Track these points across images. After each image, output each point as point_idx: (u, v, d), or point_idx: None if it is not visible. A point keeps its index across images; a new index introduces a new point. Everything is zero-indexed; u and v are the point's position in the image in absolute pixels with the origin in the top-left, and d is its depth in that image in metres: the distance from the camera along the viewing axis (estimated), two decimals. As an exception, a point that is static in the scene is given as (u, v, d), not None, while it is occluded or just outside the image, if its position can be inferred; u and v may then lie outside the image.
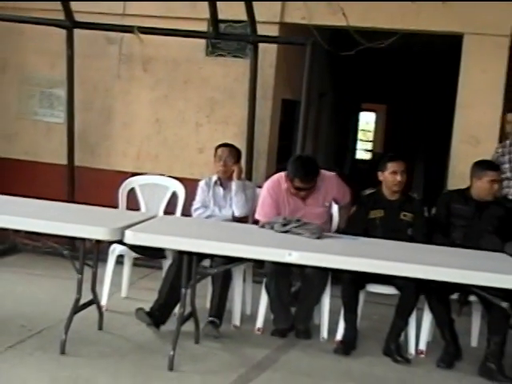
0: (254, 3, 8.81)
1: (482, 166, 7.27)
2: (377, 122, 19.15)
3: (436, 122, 12.32)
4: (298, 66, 9.25)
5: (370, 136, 19.33)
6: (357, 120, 18.53)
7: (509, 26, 9.11)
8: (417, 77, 13.17)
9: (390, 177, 7.24)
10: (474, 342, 7.31)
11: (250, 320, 7.48)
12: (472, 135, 9.11)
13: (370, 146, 19.18)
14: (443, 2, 9.09)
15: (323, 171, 7.56)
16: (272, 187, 7.52)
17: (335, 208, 7.86)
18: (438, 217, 7.44)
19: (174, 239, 6.21)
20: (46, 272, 8.70)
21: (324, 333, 7.21)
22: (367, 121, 19.25)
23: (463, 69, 9.32)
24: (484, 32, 9.13)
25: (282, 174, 7.51)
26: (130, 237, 5.99)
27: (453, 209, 7.31)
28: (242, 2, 8.71)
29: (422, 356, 6.97)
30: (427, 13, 9.27)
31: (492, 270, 5.87)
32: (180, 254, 6.58)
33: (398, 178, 7.20)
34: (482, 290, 6.35)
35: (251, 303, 7.69)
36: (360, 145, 19.06)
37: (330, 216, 7.84)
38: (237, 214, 7.62)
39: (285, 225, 6.60)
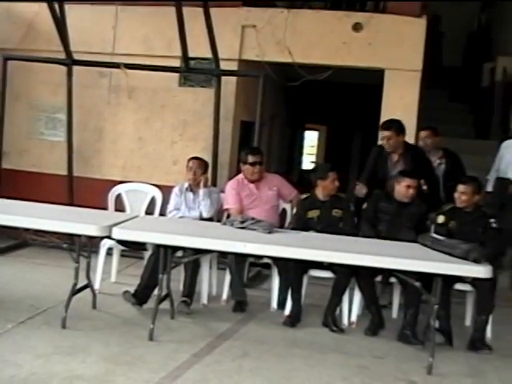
0: (217, 43, 8.89)
1: (401, 173, 7.38)
2: (319, 139, 19.19)
3: (366, 139, 12.39)
4: (253, 93, 9.28)
5: (314, 150, 19.36)
6: (302, 137, 18.57)
7: (420, 63, 9.27)
8: (351, 102, 13.24)
9: (331, 184, 7.35)
10: (394, 314, 7.42)
11: (216, 299, 7.57)
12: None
13: (313, 158, 19.21)
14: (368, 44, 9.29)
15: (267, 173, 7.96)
16: (233, 183, 7.84)
17: (287, 206, 8.04)
18: (367, 212, 7.52)
19: (152, 235, 6.27)
20: (50, 262, 8.68)
21: (274, 304, 7.38)
22: (311, 138, 19.28)
23: (385, 96, 9.40)
24: (401, 67, 9.26)
25: (240, 174, 7.83)
26: (117, 233, 6.07)
27: (379, 206, 7.38)
28: (208, 43, 8.79)
29: (353, 326, 7.07)
30: (356, 51, 9.39)
31: (408, 257, 5.97)
32: (158, 246, 6.64)
33: (331, 185, 7.34)
34: (400, 273, 6.48)
35: (216, 286, 7.74)
36: (305, 158, 19.11)
37: (281, 214, 8.01)
38: (204, 215, 7.66)
39: (242, 222, 6.68)
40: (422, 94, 9.44)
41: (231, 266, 7.41)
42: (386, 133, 7.78)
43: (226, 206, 7.79)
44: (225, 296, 7.55)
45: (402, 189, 7.25)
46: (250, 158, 7.74)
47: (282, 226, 7.68)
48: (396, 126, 7.80)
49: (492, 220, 7.02)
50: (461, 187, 6.99)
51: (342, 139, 17.30)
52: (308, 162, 19.00)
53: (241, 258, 7.31)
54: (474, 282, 6.70)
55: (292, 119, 15.41)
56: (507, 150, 9.16)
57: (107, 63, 9.57)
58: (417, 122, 9.29)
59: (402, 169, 7.64)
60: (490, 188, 9.06)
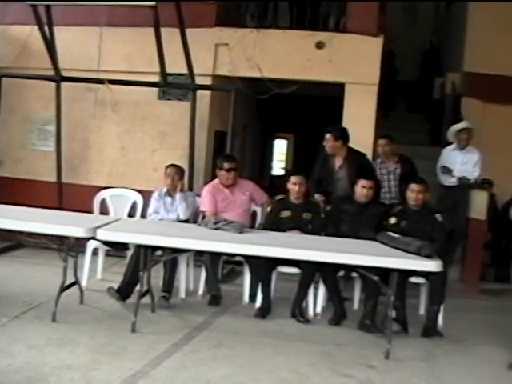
0: (193, 60, 8.91)
1: (357, 175, 7.48)
2: (288, 147, 19.19)
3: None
4: (226, 105, 9.30)
5: (283, 157, 19.36)
6: (272, 145, 18.59)
7: (376, 77, 9.35)
8: (316, 113, 13.28)
9: (293, 187, 7.38)
10: (355, 306, 7.47)
11: (193, 294, 7.58)
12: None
13: (283, 164, 19.21)
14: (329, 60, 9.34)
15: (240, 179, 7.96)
16: (209, 188, 7.81)
17: (258, 209, 8.07)
18: (331, 213, 7.57)
19: (134, 235, 6.30)
20: (42, 261, 8.62)
21: (246, 298, 7.41)
22: (281, 146, 19.28)
23: (346, 107, 9.47)
24: (359, 82, 9.36)
25: (216, 179, 7.83)
26: (101, 234, 6.07)
27: (342, 208, 7.43)
28: (184, 60, 8.81)
29: (318, 317, 7.10)
30: (319, 67, 9.48)
31: (367, 254, 6.01)
32: (139, 246, 6.64)
33: (296, 188, 7.35)
34: (360, 269, 6.52)
35: (193, 282, 7.74)
36: (276, 164, 19.11)
37: (252, 215, 8.04)
38: (181, 217, 7.63)
39: (215, 223, 6.70)
40: (378, 105, 9.49)
41: (206, 263, 7.42)
42: (326, 136, 7.98)
43: (202, 209, 7.79)
44: (201, 291, 7.56)
45: (359, 189, 7.33)
46: (226, 165, 7.73)
47: (252, 227, 7.69)
48: (335, 132, 8.01)
49: (438, 215, 7.10)
50: (416, 186, 7.07)
51: (309, 147, 17.33)
52: (278, 168, 19.01)
53: (215, 256, 7.32)
54: (426, 275, 6.77)
55: (263, 129, 15.43)
56: (444, 157, 9.33)
57: (93, 79, 9.55)
58: (375, 131, 9.34)
59: (345, 173, 7.86)
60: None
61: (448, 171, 9.22)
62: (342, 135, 8.01)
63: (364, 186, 7.29)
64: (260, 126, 14.88)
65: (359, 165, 7.95)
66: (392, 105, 13.09)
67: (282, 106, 12.76)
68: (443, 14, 16.37)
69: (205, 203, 7.72)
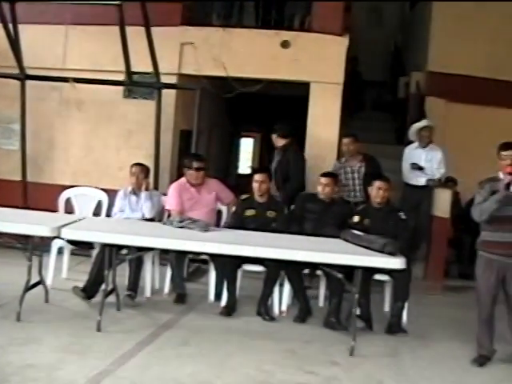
0: (158, 59, 8.90)
1: (321, 174, 7.56)
2: (254, 146, 19.17)
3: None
4: (191, 104, 9.30)
5: (250, 156, 19.33)
6: (239, 144, 18.57)
7: (341, 76, 9.41)
8: (282, 111, 13.31)
9: (255, 185, 7.40)
10: (320, 303, 7.49)
11: (158, 292, 7.56)
12: (318, 154, 9.28)
13: (249, 163, 19.18)
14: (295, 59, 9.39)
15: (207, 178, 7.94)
16: (176, 186, 7.80)
17: (223, 208, 8.07)
18: (295, 212, 7.61)
19: (98, 234, 6.29)
20: (7, 261, 8.47)
21: (211, 296, 7.40)
22: (247, 145, 19.26)
23: (311, 106, 9.50)
24: (324, 81, 9.41)
25: (183, 177, 7.82)
26: (66, 233, 6.06)
27: (306, 206, 7.49)
28: (149, 59, 8.80)
29: (284, 315, 7.14)
30: (284, 66, 9.51)
31: (331, 252, 6.07)
32: (104, 245, 6.59)
33: (257, 185, 7.37)
34: (325, 266, 6.57)
35: (159, 280, 7.73)
36: (242, 163, 19.08)
37: (218, 214, 8.04)
38: (146, 215, 7.62)
39: (180, 222, 6.70)
40: (343, 105, 9.55)
41: (172, 261, 7.43)
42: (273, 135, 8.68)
43: (167, 208, 7.79)
44: (166, 289, 7.56)
45: (319, 187, 7.39)
46: (195, 164, 7.73)
47: (217, 225, 7.70)
48: (278, 130, 8.63)
49: (401, 213, 7.16)
50: (380, 184, 7.14)
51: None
52: (244, 167, 18.99)
53: (180, 254, 7.33)
54: (391, 272, 6.82)
55: (229, 128, 15.42)
56: (407, 155, 9.40)
57: (58, 78, 9.51)
58: (339, 130, 9.38)
59: (277, 163, 8.38)
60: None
61: (418, 168, 9.28)
62: (284, 133, 8.57)
63: (325, 184, 7.42)
64: (227, 124, 14.86)
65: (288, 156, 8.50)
66: (354, 109, 13.15)
67: (250, 105, 12.78)
68: (408, 14, 16.51)
69: (171, 202, 7.71)
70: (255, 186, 7.40)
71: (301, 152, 8.88)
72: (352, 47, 10.13)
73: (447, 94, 11.60)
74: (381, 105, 14.79)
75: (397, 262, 5.92)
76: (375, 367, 5.80)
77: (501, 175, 5.82)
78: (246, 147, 19.26)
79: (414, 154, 9.40)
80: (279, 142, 8.66)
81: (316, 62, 9.41)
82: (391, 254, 5.95)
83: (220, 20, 10.29)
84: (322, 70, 9.40)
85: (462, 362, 6.09)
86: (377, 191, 7.11)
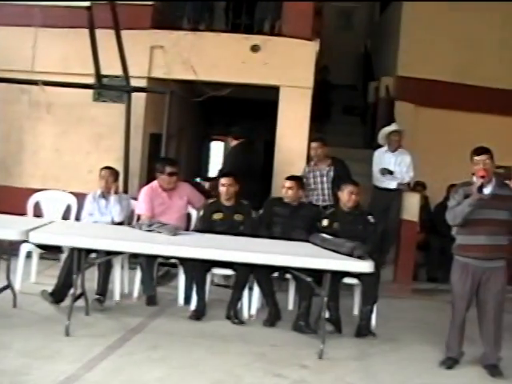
0: (128, 62, 8.89)
1: (286, 178, 7.59)
2: (225, 149, 19.16)
3: (266, 149, 12.48)
4: (161, 108, 9.30)
5: (220, 159, 19.31)
6: (209, 148, 18.55)
7: (311, 81, 9.45)
8: (253, 115, 13.34)
9: (222, 189, 7.42)
10: (290, 307, 7.49)
11: (128, 296, 7.53)
12: (287, 158, 9.32)
13: (219, 166, 19.12)
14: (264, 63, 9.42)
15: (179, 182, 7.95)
16: (147, 191, 7.77)
17: (193, 212, 8.04)
18: (263, 216, 7.63)
19: (67, 238, 6.25)
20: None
21: (181, 300, 7.38)
22: (218, 148, 19.22)
23: (280, 111, 9.53)
24: (294, 85, 9.44)
25: (154, 181, 7.80)
26: (34, 237, 6.01)
27: (274, 210, 7.51)
28: (119, 62, 8.78)
29: (253, 318, 7.13)
30: (254, 70, 9.52)
31: (300, 255, 6.07)
32: (73, 249, 6.52)
33: (224, 189, 7.39)
34: (294, 270, 6.57)
35: (128, 284, 7.69)
36: (212, 166, 19.06)
37: (188, 218, 8.03)
38: (115, 219, 7.59)
39: (149, 225, 6.69)
40: (313, 109, 9.59)
41: (142, 264, 7.42)
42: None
43: (138, 212, 7.77)
44: (136, 293, 7.53)
45: (283, 190, 7.44)
46: (168, 169, 7.73)
47: (187, 229, 7.69)
48: (231, 132, 9.05)
49: (370, 216, 7.19)
50: (349, 188, 7.16)
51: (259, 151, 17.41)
52: (214, 171, 18.98)
53: (151, 257, 7.29)
54: (359, 276, 6.83)
55: (200, 131, 15.41)
56: (377, 159, 9.48)
57: (27, 80, 9.42)
58: (309, 135, 9.42)
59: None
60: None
61: (388, 172, 9.35)
62: (235, 136, 8.90)
63: (288, 187, 7.47)
64: (197, 128, 14.85)
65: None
66: (323, 119, 13.22)
67: (222, 109, 12.80)
68: (377, 18, 16.62)
69: (141, 206, 7.70)
70: (222, 189, 7.41)
71: (248, 152, 8.97)
72: (323, 55, 10.21)
73: (416, 99, 11.73)
74: (350, 109, 14.87)
75: (365, 266, 5.95)
76: (344, 370, 5.81)
77: (474, 179, 5.87)
78: (217, 151, 19.25)
79: (383, 157, 9.49)
80: (232, 143, 9.01)
81: (286, 66, 9.45)
82: (360, 257, 5.98)
83: (190, 24, 10.29)
84: (291, 74, 9.43)
85: (431, 365, 6.13)
86: (349, 195, 7.13)
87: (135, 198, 8.05)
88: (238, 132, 9.02)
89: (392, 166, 9.44)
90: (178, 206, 7.82)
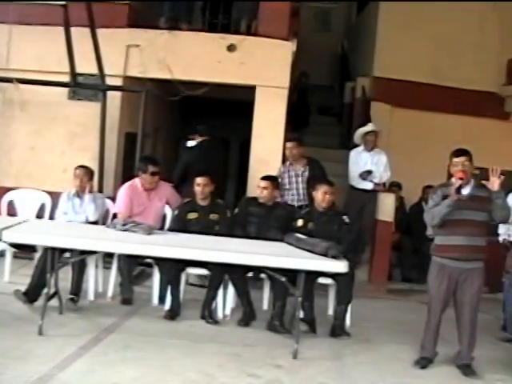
0: (104, 61, 8.86)
1: (261, 178, 7.63)
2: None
3: (243, 148, 12.50)
4: (137, 107, 9.29)
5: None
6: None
7: (287, 81, 9.45)
8: (229, 115, 13.34)
9: (197, 188, 7.41)
10: (265, 306, 7.51)
11: (102, 296, 7.50)
12: (263, 158, 9.34)
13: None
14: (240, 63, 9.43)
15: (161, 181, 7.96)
16: (128, 190, 7.75)
17: (169, 212, 8.02)
18: (238, 216, 7.63)
19: (40, 237, 6.24)
20: None
21: (155, 300, 7.37)
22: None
23: (256, 110, 9.50)
24: (270, 85, 9.42)
25: (134, 180, 7.80)
26: (7, 236, 5.98)
27: (249, 210, 7.53)
28: (95, 60, 8.76)
29: (227, 318, 7.15)
30: (230, 70, 9.48)
31: (275, 255, 6.10)
32: (46, 248, 6.49)
33: (200, 189, 7.39)
34: (268, 270, 6.58)
35: (102, 283, 7.66)
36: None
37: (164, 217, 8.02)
38: (89, 218, 7.56)
39: (124, 225, 6.67)
40: (288, 109, 9.60)
41: (124, 267, 7.43)
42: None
43: (115, 210, 7.74)
44: (110, 293, 7.51)
45: (258, 190, 7.49)
46: (151, 168, 7.74)
47: (162, 228, 7.68)
48: (197, 130, 9.13)
49: (345, 216, 7.21)
50: (324, 188, 7.17)
51: (221, 149, 17.40)
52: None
53: (131, 258, 7.30)
54: (334, 276, 6.85)
55: (176, 131, 15.36)
56: (353, 159, 9.50)
57: (1, 78, 9.35)
58: (284, 134, 9.44)
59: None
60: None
61: (368, 173, 9.38)
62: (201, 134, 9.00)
63: (263, 187, 7.51)
64: (173, 127, 14.81)
65: None
66: (300, 126, 13.26)
67: (199, 109, 12.79)
68: (354, 19, 16.68)
69: (120, 204, 7.67)
70: (197, 189, 7.41)
71: (210, 150, 9.11)
72: (300, 56, 10.22)
73: (392, 100, 11.78)
74: (326, 109, 14.93)
75: (340, 266, 5.97)
76: (318, 370, 5.83)
77: (453, 180, 5.91)
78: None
79: (360, 157, 9.51)
80: (198, 139, 9.12)
81: (262, 65, 9.43)
82: (334, 257, 6.01)
83: (167, 23, 10.26)
84: (267, 74, 9.42)
85: (405, 365, 6.18)
86: (323, 195, 7.15)
87: (110, 198, 8.03)
88: (203, 130, 9.13)
89: (369, 165, 9.48)
90: (156, 208, 7.81)
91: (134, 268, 7.94)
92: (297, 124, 12.01)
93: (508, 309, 7.26)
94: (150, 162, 7.90)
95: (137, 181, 7.81)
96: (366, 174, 9.40)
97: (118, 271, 7.51)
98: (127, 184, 7.90)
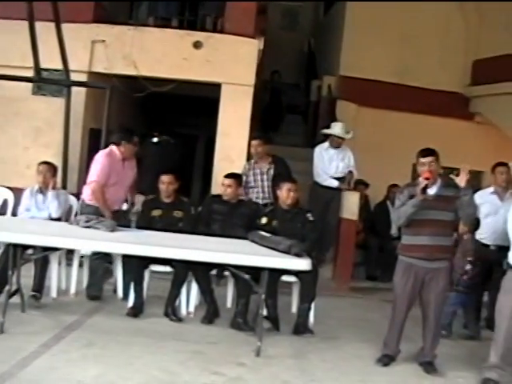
0: (69, 56, 8.80)
1: (224, 176, 7.64)
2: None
3: (208, 146, 12.49)
4: (102, 103, 9.25)
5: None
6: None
7: (252, 78, 9.47)
8: (195, 113, 13.31)
9: (162, 186, 7.40)
10: (228, 304, 7.50)
11: (65, 293, 7.45)
12: (228, 155, 9.36)
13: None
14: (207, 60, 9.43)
15: None
16: (108, 159, 7.51)
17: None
18: (202, 214, 7.63)
19: (3, 234, 6.15)
20: None
21: (119, 297, 7.40)
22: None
23: (221, 107, 9.54)
24: (235, 82, 9.45)
25: (111, 148, 7.64)
26: (-34, 234, 5.92)
27: (213, 208, 7.53)
28: (59, 55, 8.70)
29: (191, 316, 7.14)
30: (196, 67, 9.52)
31: (238, 253, 6.09)
32: (8, 245, 6.43)
33: (164, 187, 7.38)
34: (232, 267, 6.59)
35: (65, 280, 7.60)
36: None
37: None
38: (53, 215, 7.47)
39: (87, 221, 6.63)
40: (254, 107, 9.62)
41: (97, 266, 7.43)
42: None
43: (93, 179, 7.44)
44: (73, 290, 7.47)
45: (222, 188, 7.51)
46: (135, 138, 7.71)
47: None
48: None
49: (309, 214, 7.22)
50: (288, 185, 7.17)
51: (188, 146, 17.42)
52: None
53: (102, 259, 7.32)
54: (298, 273, 6.87)
55: (142, 128, 15.31)
56: (318, 155, 9.51)
57: (-37, 73, 9.26)
58: (249, 132, 9.46)
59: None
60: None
61: (338, 179, 9.41)
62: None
63: (227, 185, 7.51)
64: (141, 125, 14.76)
65: None
66: (273, 127, 13.31)
67: (165, 106, 12.76)
68: (321, 18, 16.75)
69: (99, 173, 7.42)
70: (162, 187, 7.40)
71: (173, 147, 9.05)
72: (267, 54, 10.22)
73: (358, 98, 11.84)
74: (293, 107, 14.97)
75: (303, 264, 5.98)
76: (281, 368, 5.84)
77: (420, 180, 5.95)
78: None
79: (326, 154, 9.45)
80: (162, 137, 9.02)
81: (228, 63, 9.46)
82: (297, 255, 6.02)
83: (133, 18, 10.24)
84: (233, 72, 9.46)
85: (367, 362, 6.21)
86: (287, 193, 7.16)
87: (74, 194, 7.97)
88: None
89: (335, 160, 9.45)
90: (128, 178, 7.73)
91: (103, 266, 7.91)
92: (266, 127, 12.06)
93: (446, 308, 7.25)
94: (131, 132, 7.86)
95: (114, 149, 7.66)
96: (337, 182, 9.41)
97: (89, 269, 7.50)
98: (105, 152, 7.67)
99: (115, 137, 7.78)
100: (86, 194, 7.55)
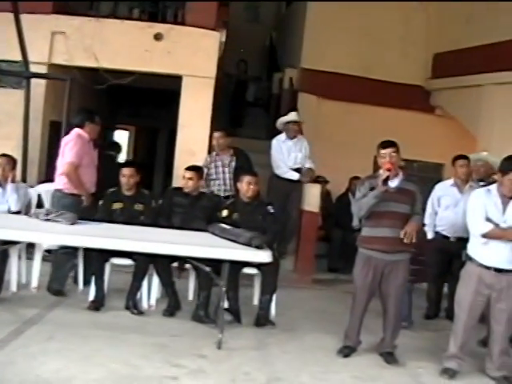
0: (28, 48, 8.71)
1: (185, 168, 7.62)
2: (129, 139, 19.03)
3: (170, 138, 12.47)
4: (62, 95, 9.17)
5: (124, 149, 19.16)
6: (112, 137, 18.38)
7: (213, 70, 9.47)
8: (157, 105, 13.27)
9: (123, 179, 7.35)
10: (190, 297, 7.50)
11: (25, 287, 7.38)
12: (189, 148, 9.33)
13: (125, 155, 19.01)
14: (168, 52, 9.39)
15: None
16: (81, 141, 7.48)
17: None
18: (163, 206, 7.60)
19: (-39, 227, 6.09)
20: None
21: (80, 286, 7.43)
22: (122, 137, 19.06)
23: (182, 100, 9.52)
24: (196, 74, 9.43)
25: (77, 130, 7.56)
26: None
27: (174, 200, 7.51)
28: (18, 47, 8.61)
29: (153, 309, 7.13)
30: (157, 59, 9.48)
31: (199, 245, 6.10)
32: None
33: (125, 180, 7.33)
34: (193, 260, 6.59)
35: (25, 274, 7.53)
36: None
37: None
38: (12, 209, 7.37)
39: (47, 214, 6.57)
40: (215, 99, 9.61)
41: (57, 260, 7.37)
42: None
43: (71, 160, 7.35)
44: (34, 283, 7.37)
45: (183, 181, 7.49)
46: (97, 119, 7.71)
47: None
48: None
49: (269, 207, 7.24)
50: (248, 178, 7.18)
51: (149, 138, 17.39)
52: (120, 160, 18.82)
53: (68, 254, 7.26)
54: (259, 266, 6.89)
55: (104, 120, 15.23)
56: (276, 147, 9.50)
57: None
58: (211, 125, 9.44)
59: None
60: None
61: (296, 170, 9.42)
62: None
63: (188, 178, 7.47)
64: (103, 117, 14.68)
65: None
66: (236, 123, 13.32)
67: (125, 98, 12.70)
68: (284, 11, 16.75)
69: (74, 155, 7.36)
70: (123, 180, 7.34)
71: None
72: (228, 47, 10.20)
73: (319, 91, 11.89)
74: (254, 100, 14.99)
75: (264, 256, 5.99)
76: (243, 360, 5.86)
77: (381, 172, 5.98)
78: (121, 139, 19.08)
79: (283, 145, 9.44)
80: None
81: (189, 55, 9.44)
82: (258, 247, 6.03)
83: (94, 10, 10.16)
84: (194, 64, 9.43)
85: (328, 353, 6.26)
86: (247, 186, 7.16)
87: (33, 187, 7.87)
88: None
89: (293, 151, 9.44)
90: (95, 158, 7.74)
91: (71, 261, 7.83)
92: (230, 122, 12.07)
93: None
94: (94, 114, 7.81)
95: (81, 131, 7.58)
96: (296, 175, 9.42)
97: (55, 263, 7.43)
98: (75, 134, 7.56)
99: (77, 119, 7.70)
100: (62, 182, 7.46)
